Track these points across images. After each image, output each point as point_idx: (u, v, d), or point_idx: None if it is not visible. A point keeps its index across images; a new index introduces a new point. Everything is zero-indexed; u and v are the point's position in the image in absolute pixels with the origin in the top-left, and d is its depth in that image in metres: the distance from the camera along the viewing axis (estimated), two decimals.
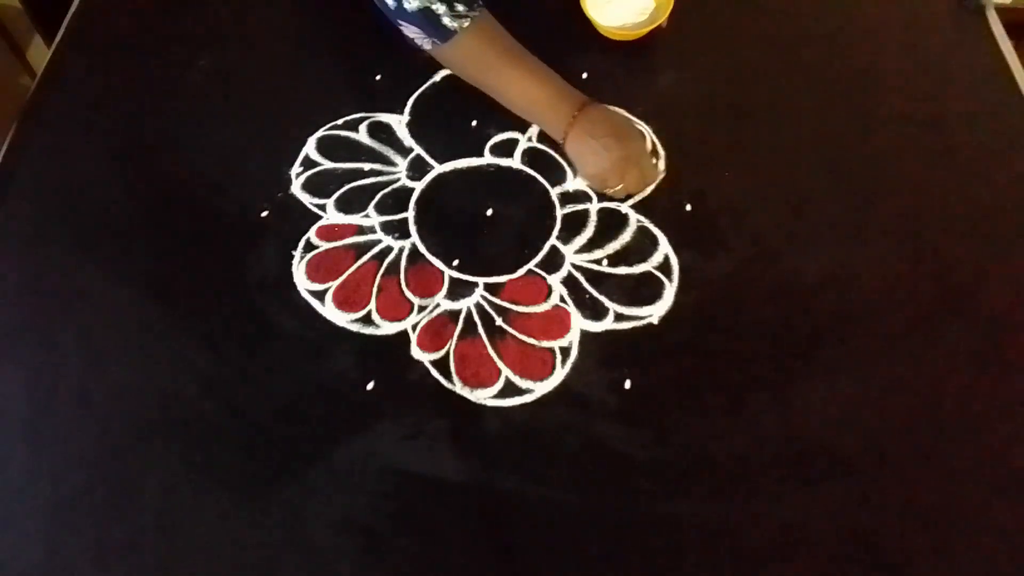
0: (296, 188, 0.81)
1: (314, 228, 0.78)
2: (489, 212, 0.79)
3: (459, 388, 0.69)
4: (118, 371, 0.71)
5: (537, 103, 0.77)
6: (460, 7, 0.73)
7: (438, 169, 0.82)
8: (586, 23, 0.88)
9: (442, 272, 0.76)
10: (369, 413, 0.68)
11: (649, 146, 0.81)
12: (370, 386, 0.70)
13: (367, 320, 0.73)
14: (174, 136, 0.85)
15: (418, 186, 0.81)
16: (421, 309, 0.73)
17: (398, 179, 0.81)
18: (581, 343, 0.71)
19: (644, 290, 0.74)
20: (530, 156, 0.83)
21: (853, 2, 0.95)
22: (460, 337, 0.72)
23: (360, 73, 0.89)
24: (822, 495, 0.64)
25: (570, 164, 0.81)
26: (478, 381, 0.69)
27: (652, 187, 0.80)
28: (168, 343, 0.72)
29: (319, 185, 0.81)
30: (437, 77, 0.88)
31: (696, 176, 0.81)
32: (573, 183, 0.81)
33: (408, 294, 0.74)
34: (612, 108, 0.79)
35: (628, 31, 0.87)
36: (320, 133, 0.84)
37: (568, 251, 0.77)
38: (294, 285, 0.75)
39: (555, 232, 0.78)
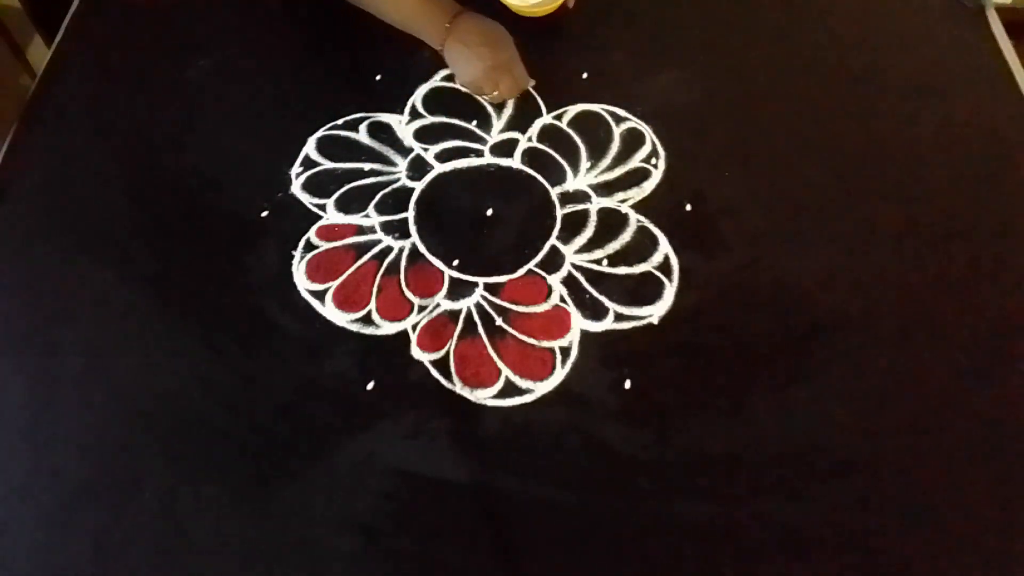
0: (296, 188, 0.81)
1: (314, 228, 0.78)
2: (489, 212, 0.79)
3: (459, 388, 0.69)
4: (118, 371, 0.71)
5: (412, 15, 0.84)
6: None
7: (438, 169, 0.82)
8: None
9: (442, 272, 0.76)
10: (369, 413, 0.68)
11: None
12: (370, 386, 0.69)
13: (367, 320, 0.73)
14: (174, 136, 0.85)
15: (418, 186, 0.81)
16: (421, 309, 0.73)
17: (398, 179, 0.81)
18: (581, 343, 0.71)
19: (644, 290, 0.74)
20: (530, 156, 0.83)
21: (853, 2, 0.95)
22: (460, 337, 0.72)
23: (360, 73, 0.89)
24: (822, 495, 0.64)
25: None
26: (478, 381, 0.69)
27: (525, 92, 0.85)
28: (168, 343, 0.72)
29: (319, 185, 0.81)
30: (437, 77, 0.88)
31: (696, 176, 0.81)
32: (573, 183, 0.81)
33: (408, 294, 0.74)
34: (484, 17, 0.83)
35: (535, 8, 0.89)
36: (320, 133, 0.84)
37: (568, 251, 0.77)
38: (294, 285, 0.75)
39: (555, 232, 0.78)
